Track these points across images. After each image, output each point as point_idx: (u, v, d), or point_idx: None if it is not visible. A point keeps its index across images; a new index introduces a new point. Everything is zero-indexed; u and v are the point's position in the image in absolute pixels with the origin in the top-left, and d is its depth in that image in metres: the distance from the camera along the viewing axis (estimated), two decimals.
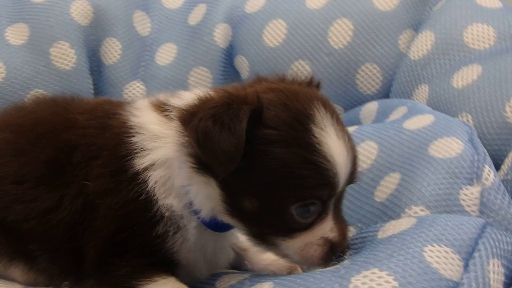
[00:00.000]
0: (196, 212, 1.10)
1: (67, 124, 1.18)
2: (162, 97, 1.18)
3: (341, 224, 1.09)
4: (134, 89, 2.08)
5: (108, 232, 1.10)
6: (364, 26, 1.86)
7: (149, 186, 1.08)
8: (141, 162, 1.09)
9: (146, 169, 1.09)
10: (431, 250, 0.98)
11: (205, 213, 1.09)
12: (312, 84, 1.18)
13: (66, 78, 1.96)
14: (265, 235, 1.08)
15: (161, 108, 1.13)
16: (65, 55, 1.96)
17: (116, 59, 2.06)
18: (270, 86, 1.11)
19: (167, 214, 1.09)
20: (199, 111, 1.00)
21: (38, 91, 1.93)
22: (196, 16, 2.13)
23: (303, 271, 1.24)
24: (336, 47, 1.87)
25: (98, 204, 1.10)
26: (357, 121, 1.79)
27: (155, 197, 1.08)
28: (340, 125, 1.06)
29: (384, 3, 1.86)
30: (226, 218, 1.09)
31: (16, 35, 1.98)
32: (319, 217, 1.06)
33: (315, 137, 1.01)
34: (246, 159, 0.99)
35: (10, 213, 1.17)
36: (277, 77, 1.18)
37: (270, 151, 1.00)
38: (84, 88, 1.98)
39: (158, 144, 1.10)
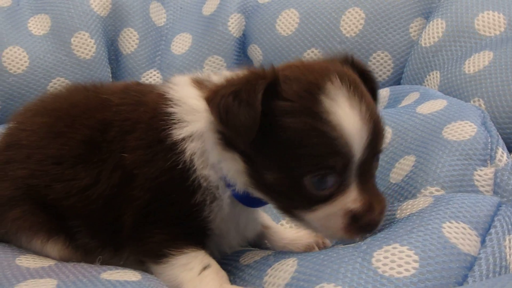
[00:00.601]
0: (229, 185, 1.14)
1: (99, 104, 1.23)
2: (204, 74, 1.23)
3: (369, 195, 1.08)
4: (150, 77, 2.14)
5: (145, 201, 1.14)
6: (376, 14, 1.90)
7: (186, 156, 1.12)
8: (178, 133, 1.13)
9: (183, 140, 1.13)
10: (449, 227, 1.03)
11: (238, 187, 1.13)
12: (347, 60, 1.18)
13: (86, 67, 2.02)
14: (289, 208, 1.11)
15: (201, 84, 1.17)
16: (85, 45, 2.02)
17: (133, 49, 2.12)
18: (291, 63, 1.14)
19: (204, 184, 1.13)
20: (222, 89, 1.05)
21: (60, 79, 1.99)
22: (210, 6, 2.18)
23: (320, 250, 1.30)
24: (348, 35, 1.91)
25: (136, 174, 1.15)
26: None
27: (193, 167, 1.12)
28: (358, 97, 1.06)
29: None
30: (255, 192, 1.13)
31: (39, 25, 2.03)
32: (339, 189, 1.06)
33: (324, 106, 1.02)
34: (264, 131, 1.03)
35: (51, 191, 1.21)
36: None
37: (283, 122, 1.03)
38: (103, 77, 2.04)
39: (196, 118, 1.13)
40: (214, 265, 1.14)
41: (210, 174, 1.14)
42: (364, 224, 1.07)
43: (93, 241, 1.23)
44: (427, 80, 1.77)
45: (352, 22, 1.91)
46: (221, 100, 1.03)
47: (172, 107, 1.15)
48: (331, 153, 1.03)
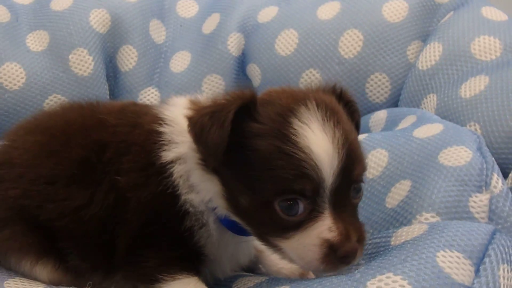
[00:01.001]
0: (213, 209, 1.15)
1: (96, 124, 1.23)
2: (204, 96, 1.23)
3: (345, 224, 1.04)
4: (149, 95, 2.14)
5: (138, 225, 1.15)
6: (374, 36, 1.91)
7: (174, 179, 1.13)
8: (167, 155, 1.14)
9: (171, 162, 1.13)
10: (443, 256, 1.03)
11: (219, 210, 1.14)
12: (334, 91, 1.19)
13: (83, 84, 2.01)
14: (263, 234, 1.10)
15: (196, 105, 1.16)
16: (83, 62, 2.02)
17: (132, 66, 2.12)
18: (273, 89, 1.16)
19: (191, 209, 1.14)
20: (203, 109, 1.07)
21: (56, 96, 1.98)
22: (210, 25, 2.19)
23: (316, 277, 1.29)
24: (346, 56, 1.92)
25: (129, 197, 1.15)
26: (366, 129, 1.84)
27: (179, 191, 1.13)
28: (333, 123, 1.05)
29: (393, 15, 1.91)
30: (233, 217, 1.13)
31: (37, 41, 2.04)
32: (311, 216, 1.04)
33: (293, 129, 1.03)
34: (237, 153, 1.04)
35: (43, 212, 1.21)
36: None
37: (253, 144, 1.04)
38: (100, 94, 2.03)
39: (186, 139, 1.13)
40: None
41: (194, 198, 1.14)
42: (342, 255, 1.04)
43: (84, 263, 1.23)
44: (424, 103, 1.78)
45: (350, 43, 1.92)
46: (199, 119, 1.05)
47: (163, 127, 1.16)
48: (299, 176, 1.01)
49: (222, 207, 1.13)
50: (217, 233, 1.17)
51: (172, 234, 1.15)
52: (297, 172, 1.01)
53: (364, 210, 1.45)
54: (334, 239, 1.03)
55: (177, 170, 1.13)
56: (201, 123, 1.04)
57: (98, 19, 2.06)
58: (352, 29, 1.93)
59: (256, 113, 1.05)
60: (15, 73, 1.97)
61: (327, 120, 1.05)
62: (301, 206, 1.03)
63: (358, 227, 1.07)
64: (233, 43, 2.11)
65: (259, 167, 1.03)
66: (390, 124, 1.74)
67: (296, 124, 1.03)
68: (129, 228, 1.15)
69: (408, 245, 1.09)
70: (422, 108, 1.78)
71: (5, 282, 1.18)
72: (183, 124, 1.12)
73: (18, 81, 1.97)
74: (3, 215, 1.23)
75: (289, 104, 1.06)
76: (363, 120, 1.89)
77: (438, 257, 1.02)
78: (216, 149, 1.02)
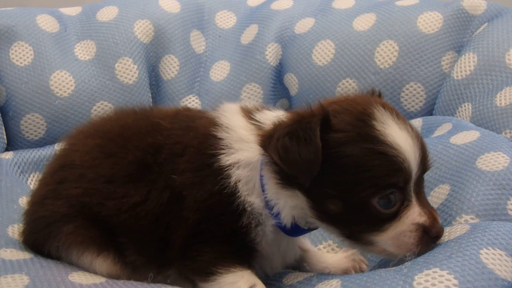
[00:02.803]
0: (276, 216, 1.22)
1: (151, 128, 1.30)
2: (251, 105, 1.31)
3: (429, 208, 1.17)
4: (190, 103, 2.21)
5: (194, 221, 1.21)
6: (409, 47, 1.96)
7: (232, 181, 1.19)
8: (226, 159, 1.20)
9: (230, 165, 1.20)
10: (486, 253, 1.08)
11: (288, 221, 1.21)
12: (374, 94, 1.29)
13: (128, 92, 2.10)
14: (356, 233, 1.18)
15: (250, 114, 1.26)
16: (128, 70, 2.10)
17: (173, 75, 2.20)
18: (332, 100, 1.24)
19: (249, 209, 1.20)
20: (275, 133, 1.14)
21: (103, 103, 2.06)
22: (248, 36, 2.26)
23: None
24: (382, 66, 1.98)
25: (185, 195, 1.21)
26: None
27: (238, 192, 1.19)
28: (402, 120, 1.16)
29: (428, 27, 1.97)
30: (316, 223, 1.21)
31: (84, 51, 2.12)
32: (403, 205, 1.14)
33: (378, 130, 1.12)
34: (324, 164, 1.11)
35: (103, 208, 1.28)
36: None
37: (342, 151, 1.12)
38: (144, 101, 2.11)
39: (244, 146, 1.21)
40: (260, 285, 1.20)
41: (256, 201, 1.21)
42: (434, 235, 1.15)
43: (140, 257, 1.29)
44: (458, 112, 1.83)
45: (386, 54, 1.98)
46: (278, 142, 1.12)
47: (221, 133, 1.23)
48: (394, 170, 1.11)
49: (295, 217, 1.21)
50: (272, 233, 1.24)
51: (227, 230, 1.21)
52: (392, 168, 1.11)
53: None
54: (426, 223, 1.14)
55: (236, 174, 1.20)
56: (283, 145, 1.11)
57: (142, 29, 2.14)
58: (387, 40, 1.99)
59: (333, 124, 1.13)
60: (65, 81, 2.05)
61: (398, 119, 1.15)
62: (395, 198, 1.13)
63: (435, 210, 1.19)
64: (271, 53, 2.18)
65: (353, 171, 1.11)
66: (426, 132, 1.79)
67: (378, 125, 1.12)
68: (185, 225, 1.22)
69: (452, 243, 1.15)
70: (457, 117, 1.82)
71: (69, 275, 1.23)
72: (240, 132, 1.22)
73: (68, 88, 2.05)
74: (66, 211, 1.30)
75: (363, 109, 1.15)
76: None
77: (482, 254, 1.08)
78: (310, 167, 1.10)
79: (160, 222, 1.24)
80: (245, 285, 1.19)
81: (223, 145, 1.21)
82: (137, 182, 1.26)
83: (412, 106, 1.97)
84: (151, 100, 2.15)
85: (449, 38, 1.96)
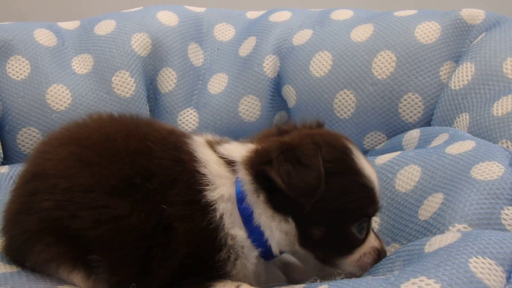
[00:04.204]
0: (261, 245, 1.23)
1: (141, 150, 1.26)
2: (212, 138, 1.35)
3: (375, 233, 1.32)
4: (188, 116, 2.20)
5: (183, 254, 1.20)
6: (407, 58, 1.95)
7: (218, 215, 1.21)
8: (212, 194, 1.22)
9: (215, 200, 1.21)
10: (475, 262, 1.06)
11: (276, 248, 1.24)
12: (320, 125, 1.39)
13: (125, 105, 2.09)
14: (329, 257, 1.27)
15: (215, 149, 1.29)
16: (125, 84, 2.10)
17: (171, 88, 2.19)
18: (306, 132, 1.31)
19: (230, 242, 1.22)
20: (272, 161, 1.17)
21: None
22: (246, 48, 2.25)
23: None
24: (379, 77, 1.96)
25: (175, 227, 1.20)
26: (399, 148, 1.87)
27: (222, 226, 1.21)
28: (361, 154, 1.27)
29: (426, 37, 1.95)
30: (297, 249, 1.26)
31: (82, 64, 2.13)
32: (367, 232, 1.27)
33: (357, 164, 1.22)
34: None
35: (75, 221, 1.22)
36: (290, 124, 1.39)
37: (331, 181, 1.19)
38: (141, 114, 2.08)
39: (222, 181, 1.24)
40: (245, 285, 1.22)
41: (239, 233, 1.22)
42: (382, 256, 1.29)
43: (112, 277, 1.24)
44: (456, 122, 1.81)
45: (383, 64, 1.96)
46: (279, 168, 1.16)
47: (203, 169, 1.24)
48: (372, 202, 1.25)
49: (282, 244, 1.25)
50: (254, 265, 1.25)
51: (206, 264, 1.22)
52: (371, 199, 1.24)
53: (397, 222, 1.48)
54: (379, 246, 1.29)
55: (221, 207, 1.22)
56: (286, 170, 1.16)
57: (140, 43, 2.14)
58: (385, 51, 1.97)
59: (323, 155, 1.20)
60: (62, 94, 2.05)
61: (361, 154, 1.27)
62: (366, 225, 1.26)
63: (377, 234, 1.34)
64: (269, 65, 2.17)
65: (342, 200, 1.20)
66: (423, 143, 1.77)
67: (356, 160, 1.23)
68: (172, 256, 1.20)
69: (442, 251, 1.13)
70: (455, 127, 1.80)
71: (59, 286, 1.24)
72: (215, 168, 1.25)
73: (65, 102, 2.06)
74: (37, 228, 1.26)
75: (343, 144, 1.25)
76: (396, 139, 1.93)
77: (471, 262, 1.06)
78: (314, 191, 1.16)
79: (143, 243, 1.21)
80: (232, 285, 1.21)
81: (207, 181, 1.23)
82: (121, 196, 1.22)
83: (410, 117, 1.95)
84: (148, 113, 2.15)
85: (447, 48, 1.94)
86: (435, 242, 1.20)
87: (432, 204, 1.41)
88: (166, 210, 1.20)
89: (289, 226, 1.22)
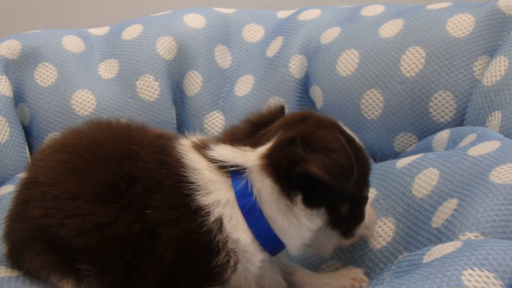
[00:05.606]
0: (266, 246, 1.18)
1: (127, 154, 1.24)
2: (195, 140, 1.29)
3: None
4: (214, 119, 2.17)
5: (169, 260, 1.15)
6: (437, 53, 1.82)
7: (211, 219, 1.15)
8: (204, 199, 1.16)
9: (209, 205, 1.16)
10: (470, 274, 0.95)
11: (298, 245, 1.21)
12: (282, 109, 1.36)
13: (150, 109, 2.09)
14: (351, 228, 1.27)
15: (203, 153, 1.23)
16: (150, 87, 2.09)
17: (197, 91, 2.17)
18: (289, 119, 1.27)
19: (231, 246, 1.16)
20: (302, 158, 1.11)
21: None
22: (273, 48, 2.20)
23: None
24: (408, 75, 1.85)
25: (160, 233, 1.16)
26: (429, 150, 1.75)
27: (218, 229, 1.15)
28: None
29: (458, 30, 1.82)
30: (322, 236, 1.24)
31: (108, 70, 2.14)
32: None
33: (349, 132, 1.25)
34: None
35: (62, 229, 1.21)
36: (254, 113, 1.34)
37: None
38: (167, 118, 2.10)
39: (216, 187, 1.18)
40: None
41: (242, 237, 1.16)
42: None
43: (101, 285, 1.23)
44: (489, 121, 1.67)
45: (412, 61, 1.85)
46: (316, 160, 1.10)
47: (191, 175, 1.19)
48: (368, 160, 1.28)
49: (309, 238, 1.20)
50: (258, 269, 1.19)
51: (201, 271, 1.17)
52: (368, 159, 1.28)
53: (411, 230, 1.38)
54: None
55: (217, 212, 1.16)
56: (321, 161, 1.10)
57: (165, 46, 2.13)
58: (414, 46, 1.86)
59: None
60: (86, 100, 2.07)
61: None
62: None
63: None
64: (295, 65, 2.10)
65: (357, 169, 1.15)
66: (452, 144, 1.65)
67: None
68: (159, 262, 1.16)
69: (436, 262, 1.03)
70: (487, 126, 1.67)
71: None
72: (207, 174, 1.19)
73: (89, 107, 2.07)
74: (28, 236, 1.26)
75: (330, 119, 1.26)
76: (426, 141, 1.81)
77: (464, 275, 0.95)
78: (351, 172, 1.13)
79: (127, 250, 1.18)
80: None
81: (197, 187, 1.17)
82: (105, 203, 1.19)
83: (442, 117, 1.82)
84: (174, 117, 2.13)
85: (482, 41, 1.80)
86: (435, 252, 1.10)
87: (445, 211, 1.30)
88: (151, 215, 1.16)
89: (321, 218, 1.19)
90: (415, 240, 1.34)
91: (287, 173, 1.13)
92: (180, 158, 1.22)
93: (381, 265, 1.39)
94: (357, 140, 1.25)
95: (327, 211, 1.19)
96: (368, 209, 1.31)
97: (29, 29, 2.22)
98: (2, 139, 1.94)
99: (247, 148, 1.21)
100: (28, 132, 2.06)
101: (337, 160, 1.10)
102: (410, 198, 1.44)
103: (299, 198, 1.15)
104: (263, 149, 1.19)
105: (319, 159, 1.09)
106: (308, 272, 1.37)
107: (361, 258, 1.43)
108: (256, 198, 1.17)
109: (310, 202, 1.16)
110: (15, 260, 1.34)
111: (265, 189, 1.16)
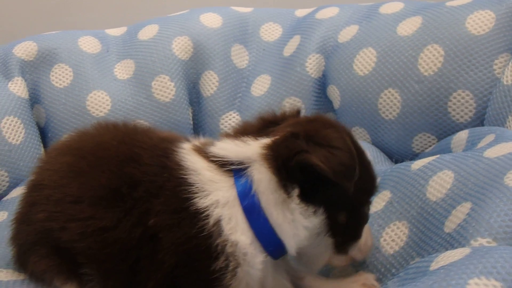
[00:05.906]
0: (267, 246, 1.15)
1: (130, 157, 1.22)
2: (197, 142, 1.27)
3: None
4: (230, 119, 2.15)
5: (170, 265, 1.14)
6: (456, 51, 1.77)
7: (211, 222, 1.13)
8: (202, 201, 1.14)
9: (207, 207, 1.13)
10: (476, 283, 0.91)
11: (296, 244, 1.15)
12: (298, 112, 1.32)
13: (165, 109, 2.07)
14: (345, 243, 1.21)
15: (204, 154, 1.20)
16: (165, 88, 2.08)
17: (213, 91, 2.15)
18: (298, 120, 1.24)
19: (229, 249, 1.13)
20: (304, 150, 1.08)
21: (139, 122, 2.06)
22: (290, 47, 2.16)
23: None
24: (426, 74, 1.80)
25: (161, 238, 1.14)
26: (448, 151, 1.70)
27: (218, 233, 1.13)
28: None
29: (478, 27, 1.76)
30: (313, 242, 1.17)
31: (123, 70, 2.14)
32: None
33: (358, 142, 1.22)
34: None
35: (65, 233, 1.20)
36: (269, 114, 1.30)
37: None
38: (182, 119, 2.08)
39: (216, 187, 1.15)
40: None
41: (241, 239, 1.13)
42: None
43: None
44: (509, 121, 1.62)
45: (430, 60, 1.80)
46: (318, 153, 1.08)
47: (191, 177, 1.16)
48: (375, 179, 1.23)
49: (306, 239, 1.15)
50: (259, 271, 1.16)
51: (201, 276, 1.14)
52: (375, 176, 1.23)
53: (424, 235, 1.33)
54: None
55: (215, 213, 1.13)
56: (324, 155, 1.07)
57: (180, 46, 2.12)
58: (432, 44, 1.81)
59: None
60: (102, 101, 2.07)
61: None
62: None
63: None
64: (312, 65, 2.07)
65: (360, 181, 1.12)
66: (470, 145, 1.59)
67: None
68: (160, 268, 1.15)
69: (442, 270, 0.99)
70: (507, 127, 1.61)
71: None
72: (207, 175, 1.16)
73: (104, 108, 2.07)
74: (32, 239, 1.26)
75: (341, 125, 1.22)
76: (445, 142, 1.76)
77: (470, 284, 0.91)
78: (354, 172, 1.10)
79: (129, 254, 1.17)
80: None
81: (195, 189, 1.15)
82: (107, 207, 1.18)
83: (461, 117, 1.77)
84: (190, 117, 2.11)
85: (502, 38, 1.74)
86: (442, 259, 1.06)
87: (458, 215, 1.25)
88: (152, 220, 1.15)
89: (318, 218, 1.14)
90: (427, 245, 1.30)
91: (286, 163, 1.10)
92: (180, 160, 1.20)
93: (393, 270, 1.34)
94: (368, 155, 1.22)
95: (325, 214, 1.14)
96: (366, 232, 1.25)
97: (46, 30, 2.23)
98: (17, 140, 1.96)
99: (250, 140, 1.18)
100: (44, 133, 2.07)
101: (340, 157, 1.07)
102: (424, 202, 1.39)
103: (295, 192, 1.11)
104: (267, 140, 1.16)
105: (321, 153, 1.07)
106: (318, 277, 1.33)
107: (373, 263, 1.39)
108: (256, 193, 1.14)
109: (306, 198, 1.12)
110: (21, 263, 1.34)
111: (263, 180, 1.12)
